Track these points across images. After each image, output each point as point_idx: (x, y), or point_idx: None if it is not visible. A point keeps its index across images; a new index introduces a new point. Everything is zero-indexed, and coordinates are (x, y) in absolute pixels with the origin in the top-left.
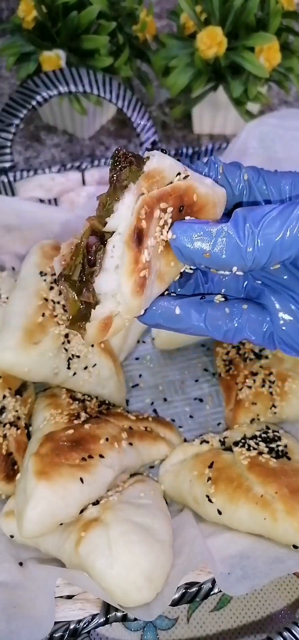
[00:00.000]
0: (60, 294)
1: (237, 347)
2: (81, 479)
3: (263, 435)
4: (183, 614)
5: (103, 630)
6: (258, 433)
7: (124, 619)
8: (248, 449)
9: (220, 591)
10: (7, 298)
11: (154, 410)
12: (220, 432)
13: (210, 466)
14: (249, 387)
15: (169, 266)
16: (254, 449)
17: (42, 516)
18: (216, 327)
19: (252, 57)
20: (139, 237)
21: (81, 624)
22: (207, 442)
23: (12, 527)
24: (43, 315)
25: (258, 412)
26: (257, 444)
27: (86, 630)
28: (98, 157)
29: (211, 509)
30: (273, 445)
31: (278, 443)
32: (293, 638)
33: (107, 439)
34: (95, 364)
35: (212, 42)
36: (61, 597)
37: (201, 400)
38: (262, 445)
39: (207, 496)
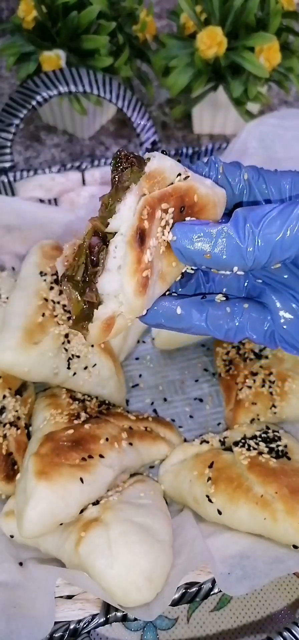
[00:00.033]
0: (60, 293)
1: (237, 347)
2: (81, 479)
3: (263, 435)
4: (183, 614)
5: (103, 630)
6: (258, 433)
7: (124, 619)
8: (248, 449)
9: (220, 591)
10: (7, 298)
11: (154, 410)
12: (220, 432)
13: (210, 466)
14: (249, 387)
15: (171, 266)
16: (254, 449)
17: (42, 516)
18: (218, 327)
19: (252, 57)
20: (141, 237)
21: (81, 624)
22: (207, 442)
23: (12, 527)
24: (43, 315)
25: (258, 412)
26: (257, 444)
27: (86, 630)
28: (98, 157)
29: (211, 509)
30: (273, 445)
31: (278, 443)
32: (293, 638)
33: (107, 439)
34: (95, 364)
35: (212, 42)
36: (61, 597)
37: (201, 400)
38: (262, 445)
39: (207, 496)
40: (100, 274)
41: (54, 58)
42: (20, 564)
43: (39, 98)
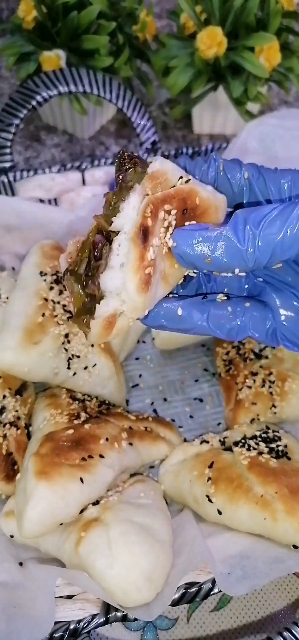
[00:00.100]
0: (60, 293)
1: (237, 347)
2: (81, 479)
3: (263, 435)
4: (183, 614)
5: (103, 630)
6: (258, 433)
7: (124, 619)
8: (248, 449)
9: (220, 591)
10: (7, 298)
11: (154, 410)
12: (220, 432)
13: (210, 466)
14: (249, 387)
15: (173, 268)
16: (254, 449)
17: (42, 516)
18: (219, 326)
19: (252, 57)
20: (144, 234)
21: (81, 624)
22: (207, 442)
23: (12, 527)
24: (43, 315)
25: (258, 412)
26: (257, 444)
27: (86, 630)
28: (98, 157)
29: (211, 509)
30: (273, 445)
31: (278, 443)
32: (293, 638)
33: (107, 439)
34: (95, 364)
35: (212, 42)
36: (61, 597)
37: (201, 400)
38: (262, 445)
39: (207, 496)
40: (103, 270)
41: (54, 58)
42: (20, 564)
43: (39, 98)
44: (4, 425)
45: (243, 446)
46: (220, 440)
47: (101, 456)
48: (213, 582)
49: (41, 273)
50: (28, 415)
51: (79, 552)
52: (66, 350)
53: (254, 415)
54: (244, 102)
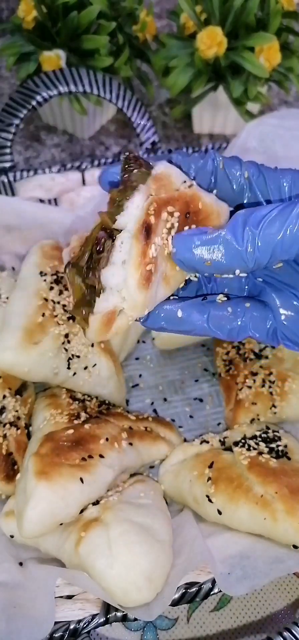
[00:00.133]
0: (60, 293)
1: (237, 347)
2: (81, 479)
3: (263, 435)
4: (183, 614)
5: (103, 630)
6: (258, 433)
7: (124, 619)
8: (248, 449)
9: (220, 591)
10: (7, 298)
11: (154, 410)
12: (220, 432)
13: (210, 466)
14: (249, 387)
15: (175, 270)
16: (254, 449)
17: (42, 516)
18: (220, 327)
19: (252, 57)
20: (147, 231)
21: (81, 624)
22: (208, 442)
23: (12, 527)
24: (43, 315)
25: (258, 412)
26: (257, 444)
27: (86, 630)
28: (98, 157)
29: (211, 509)
30: (273, 445)
31: (278, 443)
32: (293, 638)
33: (107, 439)
34: (95, 364)
35: (212, 42)
36: (61, 597)
37: (201, 400)
38: (262, 445)
39: (207, 496)
40: (104, 265)
41: (54, 58)
42: (20, 564)
43: (39, 98)
44: (4, 425)
45: (243, 446)
46: (220, 440)
47: (101, 456)
48: (213, 582)
49: (41, 273)
50: (28, 415)
51: (79, 552)
52: (66, 350)
53: (254, 415)
54: (244, 102)
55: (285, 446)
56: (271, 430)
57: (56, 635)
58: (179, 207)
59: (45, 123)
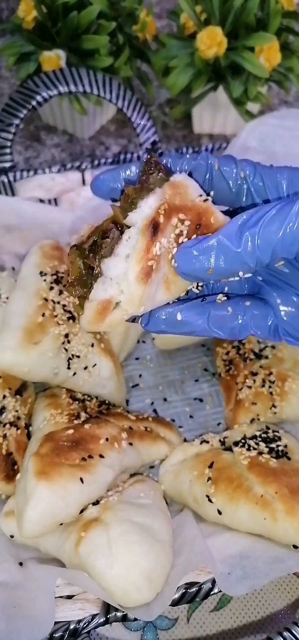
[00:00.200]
0: (60, 293)
1: (237, 347)
2: (81, 479)
3: (263, 435)
4: (183, 614)
5: (103, 630)
6: (258, 433)
7: (124, 619)
8: (248, 449)
9: (220, 591)
10: (7, 298)
11: (154, 410)
12: (220, 432)
13: (210, 466)
14: (249, 387)
15: (177, 276)
16: (254, 449)
17: (42, 516)
18: (221, 327)
19: (252, 57)
20: (154, 228)
21: (81, 624)
22: (207, 442)
23: (12, 527)
24: (43, 315)
25: (258, 412)
26: (257, 444)
27: (86, 630)
28: (98, 157)
29: (211, 509)
30: (273, 445)
31: (278, 443)
32: (293, 638)
33: (107, 439)
34: (95, 364)
35: (212, 42)
36: (61, 597)
37: (201, 400)
38: (262, 445)
39: (207, 496)
40: (107, 253)
41: (54, 58)
42: (20, 564)
43: (39, 98)
44: (4, 425)
45: (243, 446)
46: (220, 440)
47: (101, 456)
48: (213, 582)
49: (41, 273)
50: (28, 415)
51: (79, 552)
52: (66, 350)
53: (254, 415)
54: (244, 102)
55: (285, 446)
56: (271, 430)
57: (56, 635)
58: (190, 217)
59: (45, 123)
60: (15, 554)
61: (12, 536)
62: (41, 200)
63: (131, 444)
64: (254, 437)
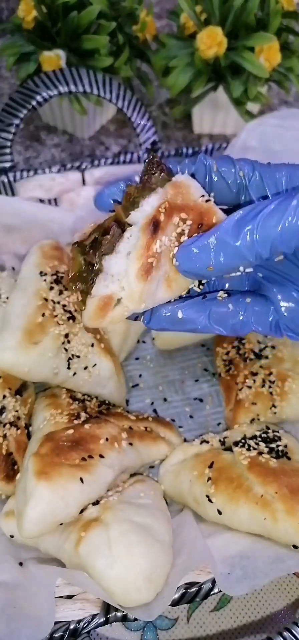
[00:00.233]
0: (60, 293)
1: (237, 347)
2: (81, 479)
3: (263, 435)
4: (183, 614)
5: (103, 630)
6: (258, 433)
7: (124, 619)
8: (248, 449)
9: (220, 591)
10: (7, 298)
11: (154, 410)
12: (220, 432)
13: (210, 466)
14: (249, 387)
15: (178, 274)
16: (254, 449)
17: (42, 516)
18: (222, 324)
19: (252, 57)
20: (155, 226)
21: (81, 624)
22: (208, 442)
23: (12, 527)
24: (43, 315)
25: (258, 412)
26: (257, 444)
27: (86, 630)
28: (98, 157)
29: (211, 509)
30: (273, 445)
31: (278, 443)
32: (293, 638)
33: (107, 439)
34: (95, 364)
35: (212, 42)
36: (61, 597)
37: (201, 400)
38: (262, 445)
39: (207, 496)
40: (108, 251)
41: (54, 58)
42: (20, 564)
43: (39, 98)
44: (4, 425)
45: (243, 446)
46: (220, 440)
47: (101, 456)
48: (213, 582)
49: (41, 273)
50: (28, 415)
51: (79, 552)
52: (66, 350)
53: (254, 415)
54: (244, 102)
55: (285, 446)
56: (271, 430)
57: (56, 635)
58: (192, 217)
59: (45, 123)
60: (15, 554)
61: (12, 536)
62: (41, 200)
63: (131, 444)
64: (254, 437)
